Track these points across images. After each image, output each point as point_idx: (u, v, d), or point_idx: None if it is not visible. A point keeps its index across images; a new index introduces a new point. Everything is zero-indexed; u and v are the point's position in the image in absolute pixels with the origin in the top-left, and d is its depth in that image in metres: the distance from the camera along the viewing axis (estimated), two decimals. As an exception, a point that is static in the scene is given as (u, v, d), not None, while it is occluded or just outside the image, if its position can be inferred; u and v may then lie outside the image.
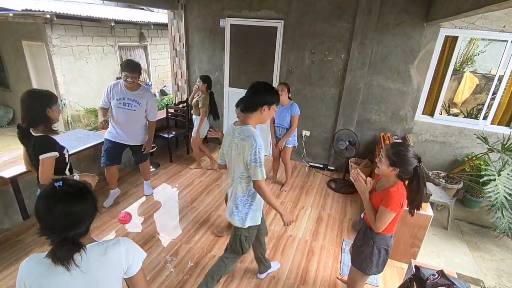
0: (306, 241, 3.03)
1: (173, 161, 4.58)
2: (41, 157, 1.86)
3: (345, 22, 3.87)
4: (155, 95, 9.28)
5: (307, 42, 4.13)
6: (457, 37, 3.59)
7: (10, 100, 7.61)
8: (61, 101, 6.73)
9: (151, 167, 4.24)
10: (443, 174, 3.89)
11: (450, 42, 3.68)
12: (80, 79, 7.07)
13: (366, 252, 1.87)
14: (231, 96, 4.92)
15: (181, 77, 5.09)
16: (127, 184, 3.84)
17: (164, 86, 9.86)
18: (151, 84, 9.19)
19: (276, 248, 2.90)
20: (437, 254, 3.06)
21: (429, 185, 3.43)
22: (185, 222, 3.20)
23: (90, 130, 5.70)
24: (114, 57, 7.88)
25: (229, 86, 4.88)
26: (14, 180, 2.70)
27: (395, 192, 1.67)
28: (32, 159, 1.97)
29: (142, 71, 8.73)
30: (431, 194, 2.68)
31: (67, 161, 2.08)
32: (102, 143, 3.26)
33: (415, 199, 1.70)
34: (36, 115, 1.84)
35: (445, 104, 4.88)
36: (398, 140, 3.76)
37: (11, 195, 2.78)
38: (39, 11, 5.73)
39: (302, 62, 4.26)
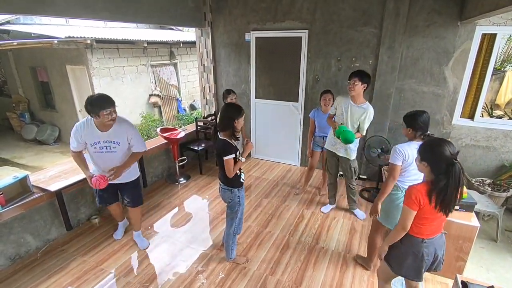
0: (339, 253, 2.91)
1: (203, 172, 4.67)
2: (224, 158, 2.25)
3: (371, 28, 3.80)
4: (184, 110, 9.62)
5: (333, 49, 4.10)
6: (495, 34, 3.37)
7: (57, 120, 8.29)
8: (100, 119, 7.19)
9: (181, 178, 4.39)
10: (488, 181, 3.59)
11: (488, 40, 3.46)
12: (116, 98, 7.43)
13: (396, 251, 1.83)
14: (258, 107, 4.97)
15: (209, 91, 5.25)
16: (160, 195, 3.98)
17: (194, 101, 10.21)
18: (181, 100, 9.55)
19: (308, 260, 2.81)
20: (486, 269, 2.81)
21: (473, 194, 3.18)
22: (215, 232, 3.23)
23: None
24: (147, 75, 8.35)
25: (256, 98, 4.94)
26: (59, 193, 2.91)
27: (413, 187, 1.64)
28: (217, 155, 2.35)
29: (171, 87, 9.19)
30: (476, 203, 2.48)
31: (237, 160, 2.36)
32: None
33: (444, 199, 1.56)
34: (227, 123, 2.26)
35: (486, 106, 4.54)
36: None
37: (56, 207, 2.99)
38: (81, 37, 6.25)
39: (329, 70, 4.21)
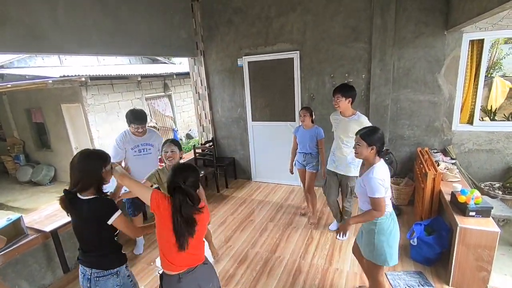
0: (355, 273, 2.75)
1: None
2: (112, 219, 1.62)
3: (361, 43, 3.88)
4: (181, 139, 9.61)
5: (326, 67, 4.15)
6: (483, 40, 3.45)
7: (52, 159, 8.18)
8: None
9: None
10: (497, 185, 3.51)
11: (477, 46, 3.53)
12: (112, 133, 7.50)
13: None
14: (255, 130, 4.94)
15: (205, 118, 5.24)
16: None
17: (190, 130, 10.22)
18: (177, 130, 9.56)
19: (323, 284, 2.64)
20: (511, 276, 2.64)
21: (485, 199, 3.08)
22: (222, 263, 3.04)
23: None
24: (142, 108, 8.38)
25: (253, 121, 4.93)
26: (54, 233, 2.76)
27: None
28: (89, 225, 1.66)
29: (167, 118, 9.23)
30: (492, 207, 2.38)
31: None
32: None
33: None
34: (89, 177, 1.61)
35: (488, 111, 4.54)
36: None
37: (52, 249, 2.82)
38: (75, 75, 6.33)
39: (323, 87, 4.24)
